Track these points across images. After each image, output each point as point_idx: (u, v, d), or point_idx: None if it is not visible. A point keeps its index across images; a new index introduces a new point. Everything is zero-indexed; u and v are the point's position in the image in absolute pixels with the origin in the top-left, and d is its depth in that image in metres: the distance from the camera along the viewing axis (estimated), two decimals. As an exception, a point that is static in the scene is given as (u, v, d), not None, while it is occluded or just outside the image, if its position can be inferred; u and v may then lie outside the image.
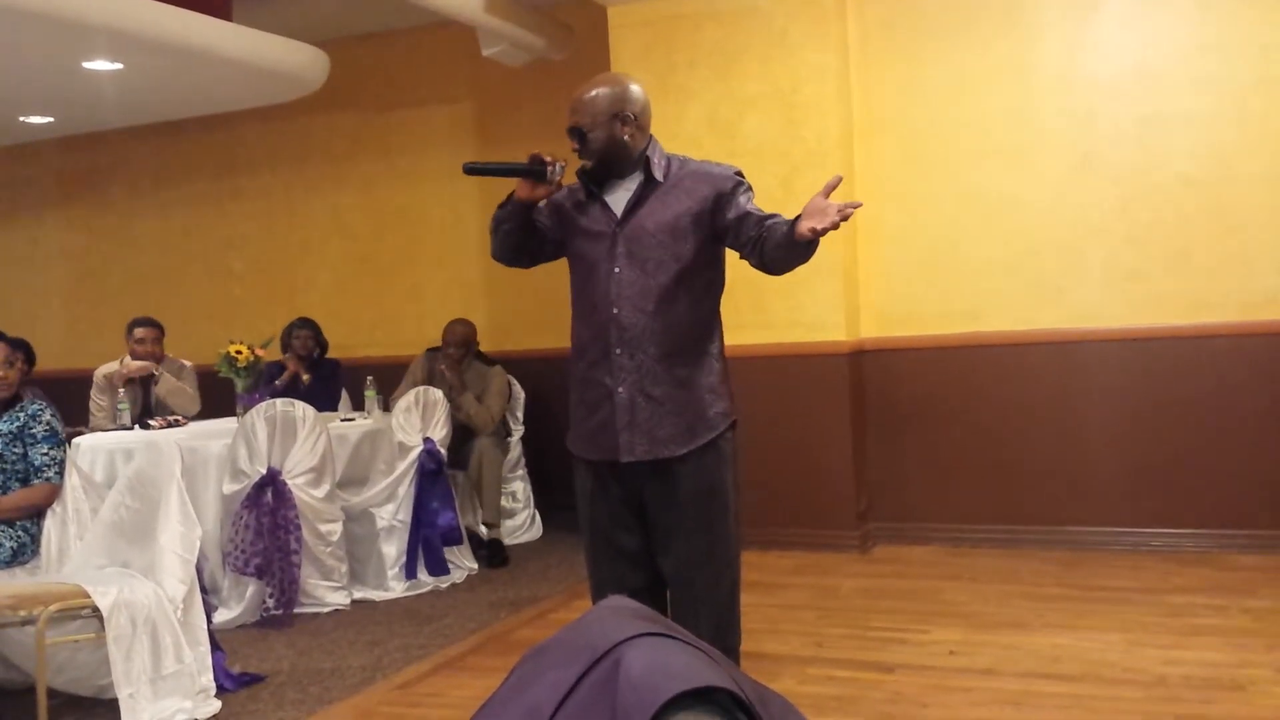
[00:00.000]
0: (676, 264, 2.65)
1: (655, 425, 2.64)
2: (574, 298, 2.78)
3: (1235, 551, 4.75)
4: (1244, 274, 4.81)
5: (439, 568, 4.95)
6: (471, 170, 2.71)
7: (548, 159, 2.63)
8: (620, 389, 2.65)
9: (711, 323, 2.75)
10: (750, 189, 2.72)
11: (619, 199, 2.70)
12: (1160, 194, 4.92)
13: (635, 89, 2.70)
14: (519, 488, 5.99)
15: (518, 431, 6.02)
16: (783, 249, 2.52)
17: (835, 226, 2.36)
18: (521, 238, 2.76)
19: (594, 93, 2.67)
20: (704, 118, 5.32)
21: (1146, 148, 4.94)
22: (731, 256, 2.78)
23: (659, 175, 2.68)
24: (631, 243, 2.65)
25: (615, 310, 2.65)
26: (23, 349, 4.82)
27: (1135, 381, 4.98)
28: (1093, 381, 5.06)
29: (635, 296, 2.63)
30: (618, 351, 2.65)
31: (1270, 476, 4.76)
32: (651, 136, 2.74)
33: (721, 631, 2.69)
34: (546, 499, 6.09)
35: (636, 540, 2.74)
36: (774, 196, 5.22)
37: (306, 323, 5.97)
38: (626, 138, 2.66)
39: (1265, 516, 4.76)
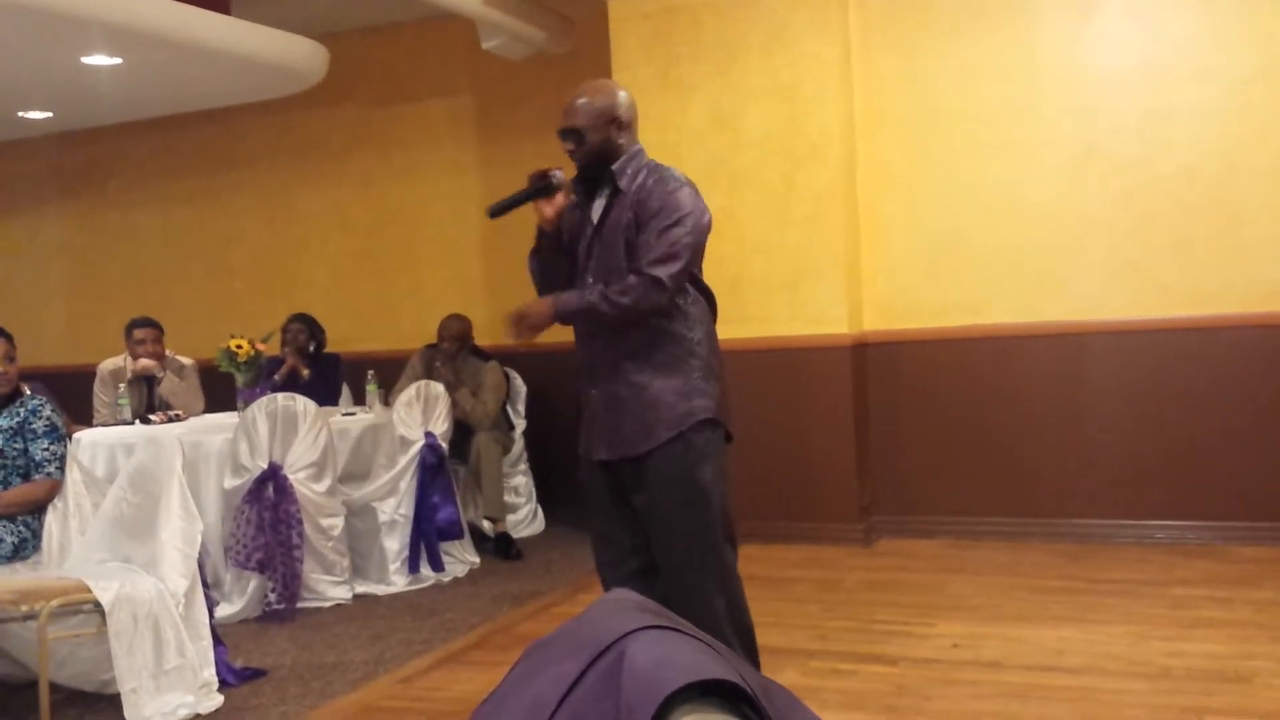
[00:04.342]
0: (626, 272, 2.73)
1: (620, 424, 2.77)
2: None
3: (1239, 544, 4.74)
4: (1246, 266, 4.80)
5: (434, 563, 4.95)
6: (496, 212, 2.81)
7: (546, 169, 2.81)
8: (594, 390, 2.83)
9: (678, 325, 2.76)
10: (678, 224, 2.67)
11: (597, 208, 2.82)
12: (1163, 186, 4.91)
13: (623, 94, 2.83)
14: (521, 482, 5.97)
15: (520, 425, 6.01)
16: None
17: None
18: (565, 267, 2.87)
19: (587, 98, 2.79)
20: (706, 111, 5.30)
21: (1149, 140, 4.93)
22: (710, 257, 2.83)
23: (622, 184, 2.77)
24: (600, 251, 2.78)
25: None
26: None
27: (1138, 374, 4.97)
28: (1095, 374, 5.04)
29: None
30: (594, 356, 2.82)
31: (1273, 468, 4.75)
32: (639, 147, 2.83)
33: (724, 618, 2.73)
34: (549, 493, 6.08)
35: (623, 529, 2.85)
36: (776, 190, 5.23)
37: (300, 317, 5.98)
38: (621, 141, 2.79)
39: (1269, 508, 4.75)
